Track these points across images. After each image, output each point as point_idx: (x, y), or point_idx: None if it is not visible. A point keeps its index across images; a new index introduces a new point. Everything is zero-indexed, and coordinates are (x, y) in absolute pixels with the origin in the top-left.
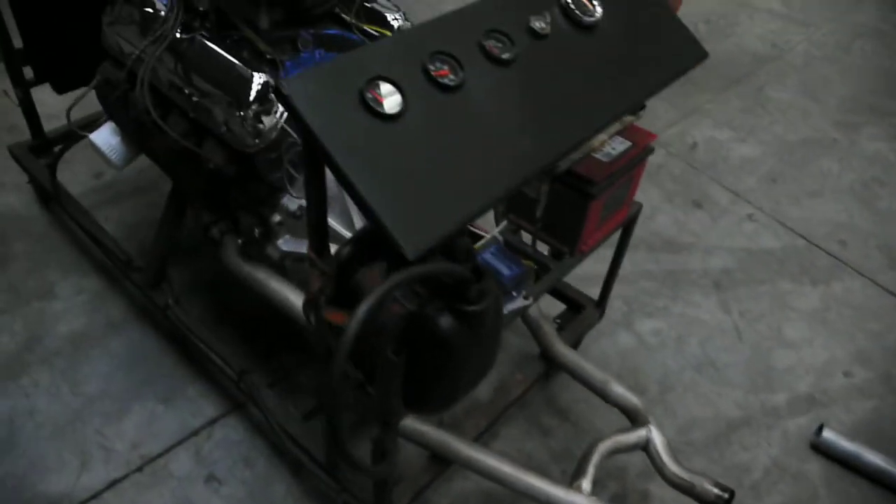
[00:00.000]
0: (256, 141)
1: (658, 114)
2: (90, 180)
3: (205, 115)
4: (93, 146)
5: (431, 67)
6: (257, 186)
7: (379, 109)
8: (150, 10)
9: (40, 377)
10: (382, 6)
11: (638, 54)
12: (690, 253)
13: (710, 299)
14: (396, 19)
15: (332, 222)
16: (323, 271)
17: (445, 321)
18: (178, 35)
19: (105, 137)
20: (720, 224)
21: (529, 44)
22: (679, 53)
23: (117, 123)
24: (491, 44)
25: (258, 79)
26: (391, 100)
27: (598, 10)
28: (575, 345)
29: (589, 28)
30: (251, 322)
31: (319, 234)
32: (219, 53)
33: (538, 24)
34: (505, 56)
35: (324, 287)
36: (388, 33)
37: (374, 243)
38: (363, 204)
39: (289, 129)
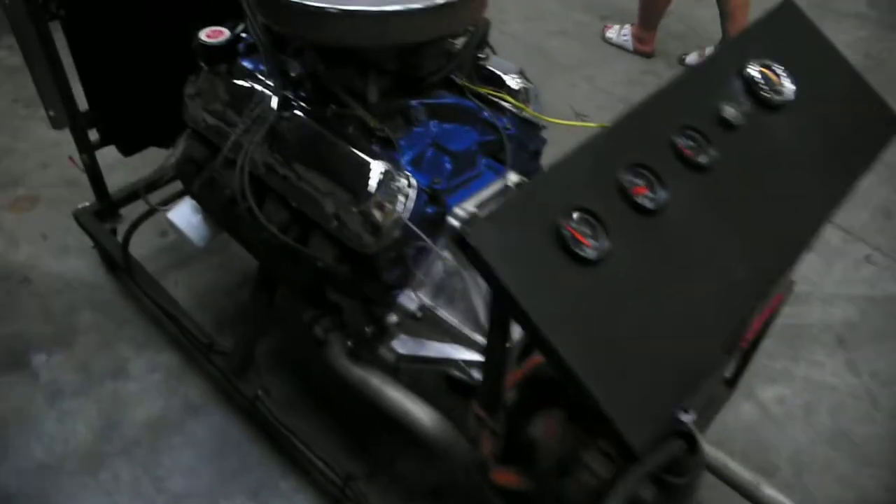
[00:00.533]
0: (376, 240)
1: None
2: (155, 239)
3: (311, 207)
4: (171, 225)
5: (626, 183)
6: (371, 285)
7: (580, 252)
8: (242, 83)
9: (120, 471)
10: (497, 65)
11: (835, 133)
12: (807, 303)
13: (836, 358)
14: (514, 79)
15: (454, 320)
16: (494, 431)
17: (651, 496)
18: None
19: (185, 216)
20: (835, 268)
21: (723, 138)
22: (873, 124)
23: (200, 203)
24: (683, 144)
25: (378, 167)
26: (591, 237)
27: (788, 84)
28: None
29: (780, 108)
30: (346, 403)
31: (494, 392)
32: (328, 135)
33: (730, 113)
34: (702, 160)
35: (494, 447)
36: (508, 98)
37: (541, 387)
38: (578, 384)
39: (412, 227)
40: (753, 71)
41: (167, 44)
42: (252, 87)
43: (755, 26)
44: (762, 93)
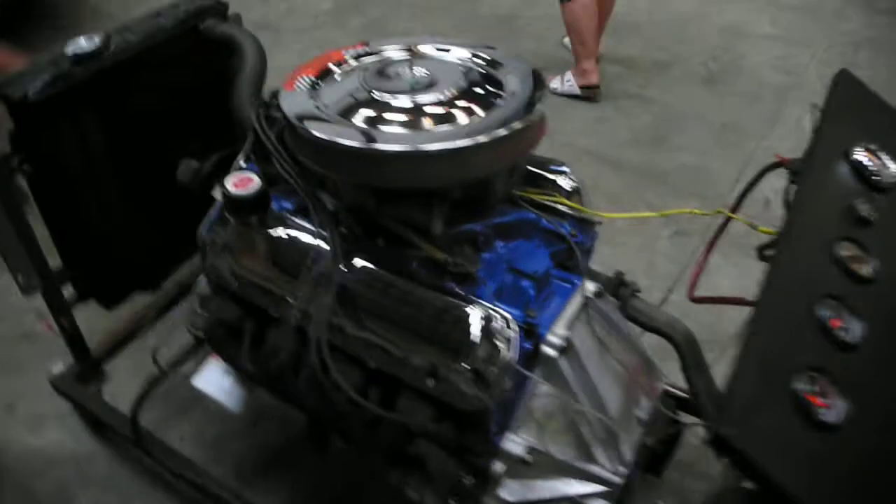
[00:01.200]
0: (486, 395)
1: (713, 176)
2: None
3: (397, 367)
4: (200, 394)
5: (824, 317)
6: (472, 437)
7: (823, 417)
8: (286, 236)
9: None
10: (550, 169)
11: None
12: None
13: None
14: (564, 178)
15: (566, 456)
16: None
17: None
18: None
19: (215, 382)
20: None
21: (865, 235)
22: None
23: (238, 368)
24: (845, 255)
25: (476, 315)
26: (826, 397)
27: (892, 164)
28: None
29: (888, 190)
30: None
31: None
32: (405, 284)
33: (864, 210)
34: (865, 272)
35: None
36: (564, 201)
37: None
38: None
39: (523, 371)
40: (860, 156)
41: (145, 185)
42: (300, 240)
43: (832, 106)
44: (873, 177)
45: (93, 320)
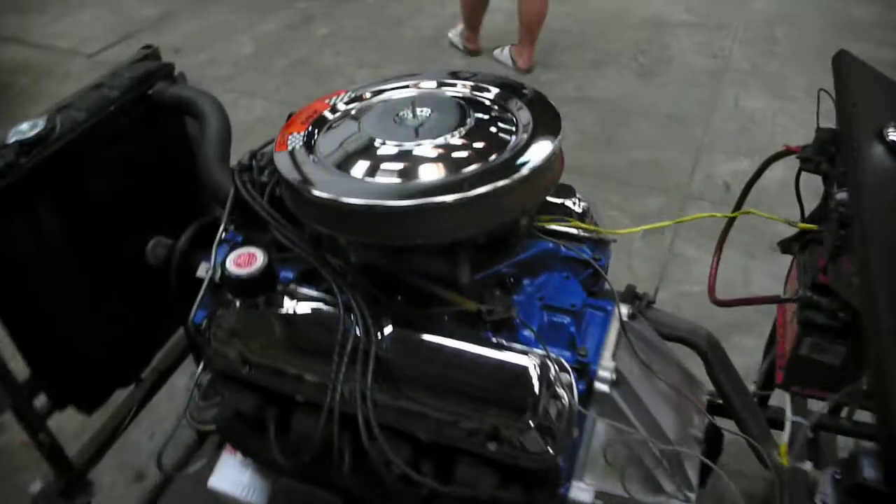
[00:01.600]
0: (554, 449)
1: (669, 168)
2: (130, 484)
3: (450, 435)
4: (218, 495)
5: None
6: (540, 495)
7: None
8: (302, 312)
9: None
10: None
11: None
12: None
13: None
14: (574, 202)
15: (639, 495)
16: None
17: None
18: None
19: (233, 479)
20: None
21: None
22: None
23: (257, 459)
24: None
25: (531, 364)
26: None
27: None
28: None
29: None
30: None
31: None
32: (443, 345)
33: None
34: None
35: None
36: (581, 224)
37: None
38: None
39: (588, 413)
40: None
41: (112, 271)
42: (317, 313)
43: (845, 89)
44: None
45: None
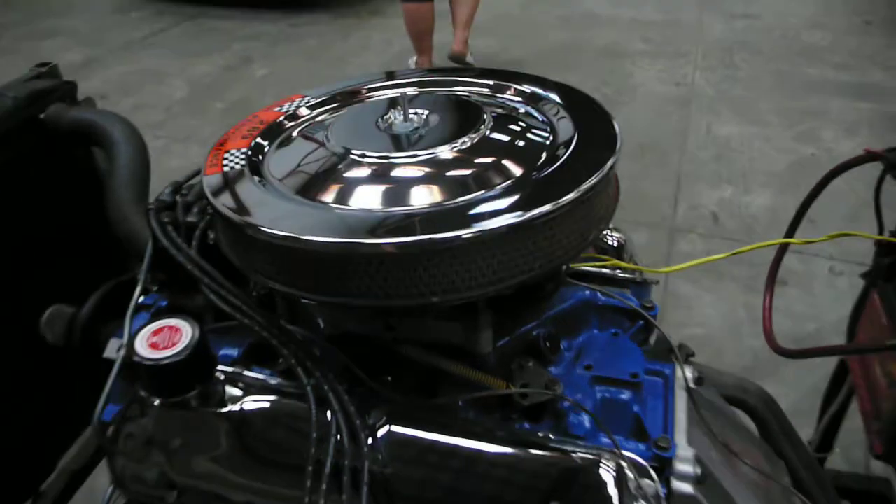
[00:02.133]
0: None
1: (652, 199)
2: None
3: None
4: None
5: None
6: None
7: None
8: (249, 407)
9: None
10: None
11: None
12: None
13: None
14: (610, 234)
15: None
16: None
17: None
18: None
19: None
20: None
21: None
22: None
23: None
24: None
25: (608, 466)
26: None
27: None
28: None
29: None
30: None
31: None
32: (465, 448)
33: None
34: None
35: None
36: (620, 263)
37: None
38: None
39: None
40: None
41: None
42: (281, 411)
43: None
44: None
45: None
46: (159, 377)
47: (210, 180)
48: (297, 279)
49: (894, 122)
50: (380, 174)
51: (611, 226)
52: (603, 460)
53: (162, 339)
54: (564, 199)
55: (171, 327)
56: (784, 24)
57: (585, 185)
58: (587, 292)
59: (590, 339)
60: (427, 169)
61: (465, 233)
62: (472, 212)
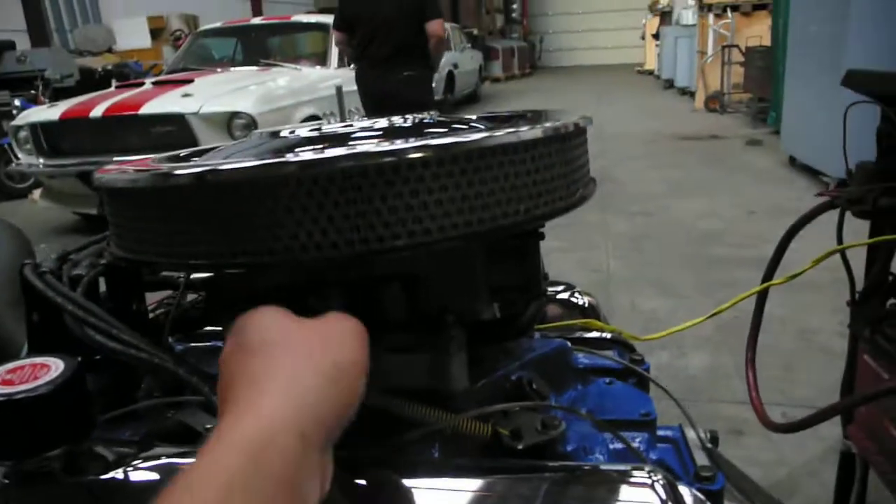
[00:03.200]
0: None
1: None
2: None
3: None
4: None
5: None
6: None
7: None
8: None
9: None
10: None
11: None
12: None
13: None
14: (575, 295)
15: None
16: None
17: None
18: None
19: None
20: None
21: None
22: None
23: None
24: None
25: (659, 484)
26: None
27: None
28: None
29: None
30: None
31: None
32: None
33: None
34: None
35: None
36: (596, 323)
37: None
38: None
39: None
40: None
41: None
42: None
43: None
44: None
45: None
46: (6, 425)
47: (109, 176)
48: (217, 237)
49: (797, 286)
50: (316, 138)
51: (582, 290)
52: (652, 476)
53: (20, 375)
54: (545, 125)
55: (35, 364)
56: (679, 218)
57: (563, 121)
58: (566, 343)
59: (581, 391)
60: (376, 131)
61: (435, 143)
62: (434, 132)
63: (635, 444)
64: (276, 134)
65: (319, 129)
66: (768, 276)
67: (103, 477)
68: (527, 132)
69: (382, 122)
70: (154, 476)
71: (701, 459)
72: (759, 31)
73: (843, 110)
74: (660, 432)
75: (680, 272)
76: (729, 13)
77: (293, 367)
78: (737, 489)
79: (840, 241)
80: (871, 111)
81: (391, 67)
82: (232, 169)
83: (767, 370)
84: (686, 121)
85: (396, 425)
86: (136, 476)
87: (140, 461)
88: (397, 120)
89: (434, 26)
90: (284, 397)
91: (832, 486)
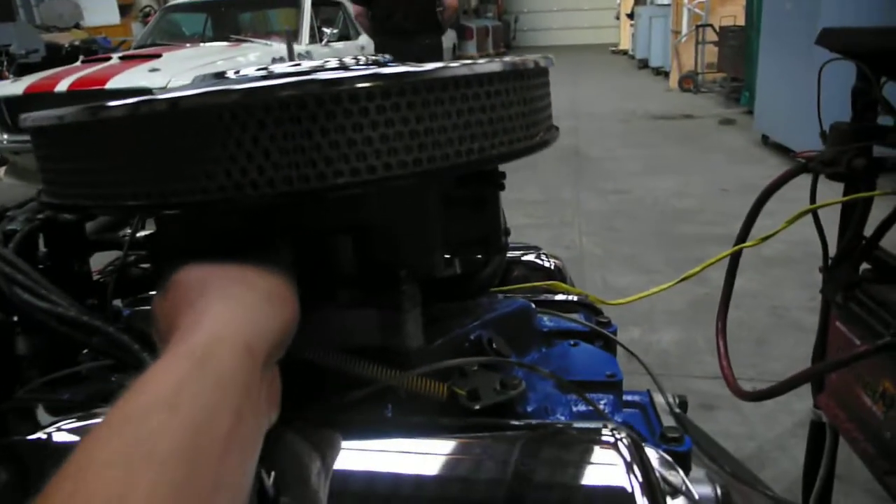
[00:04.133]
0: None
1: None
2: None
3: None
4: None
5: None
6: None
7: None
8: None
9: None
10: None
11: None
12: None
13: None
14: (543, 258)
15: None
16: None
17: None
18: None
19: None
20: None
21: None
22: None
23: None
24: None
25: (623, 443)
26: None
27: None
28: None
29: None
30: None
31: None
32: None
33: None
34: None
35: None
36: (563, 286)
37: None
38: None
39: None
40: None
41: None
42: None
43: None
44: None
45: None
46: None
47: (36, 115)
48: (146, 176)
49: (770, 261)
50: (263, 77)
51: (548, 252)
52: (616, 435)
53: None
54: (502, 60)
55: None
56: (653, 196)
57: (520, 58)
58: (531, 304)
59: (545, 352)
60: (328, 70)
61: (381, 73)
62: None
63: (601, 406)
64: (220, 75)
65: (266, 69)
66: (741, 240)
67: (30, 437)
68: (482, 66)
69: (334, 63)
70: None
71: (670, 424)
72: (733, 11)
73: (816, 88)
74: (627, 397)
75: (652, 249)
76: None
77: (231, 288)
78: (705, 454)
79: (814, 202)
80: (845, 80)
81: (412, 37)
82: (161, 100)
83: (740, 345)
84: (660, 100)
85: (345, 384)
86: (63, 437)
87: (72, 422)
88: (349, 61)
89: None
90: (227, 313)
91: (802, 460)
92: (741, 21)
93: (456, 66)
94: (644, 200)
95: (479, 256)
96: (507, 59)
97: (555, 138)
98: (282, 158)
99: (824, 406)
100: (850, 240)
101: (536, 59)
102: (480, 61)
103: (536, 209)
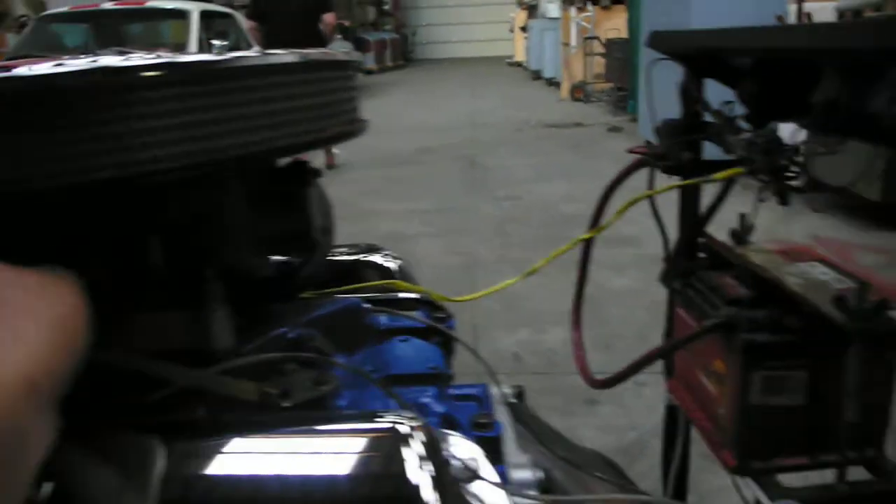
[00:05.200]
0: None
1: None
2: None
3: None
4: None
5: None
6: None
7: None
8: None
9: None
10: (359, 251)
11: None
12: None
13: None
14: (386, 258)
15: None
16: None
17: None
18: None
19: None
20: None
21: None
22: None
23: None
24: None
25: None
26: None
27: None
28: None
29: None
30: None
31: None
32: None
33: None
34: None
35: None
36: (401, 284)
37: None
38: None
39: None
40: None
41: None
42: None
43: None
44: None
45: None
46: None
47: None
48: None
49: (654, 261)
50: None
51: (394, 253)
52: (410, 424)
53: None
54: (294, 52)
55: None
56: (543, 202)
57: (318, 51)
58: (358, 300)
59: (374, 349)
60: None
61: (161, 62)
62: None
63: (424, 399)
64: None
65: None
66: (595, 223)
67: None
68: (270, 58)
69: (166, 58)
70: None
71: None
72: (617, 24)
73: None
74: (464, 390)
75: (542, 252)
76: (590, 7)
77: (12, 318)
78: (539, 440)
79: (652, 199)
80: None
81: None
82: None
83: (623, 341)
84: (552, 110)
85: (147, 386)
86: None
87: None
88: (181, 57)
89: (329, 17)
90: (7, 345)
91: None
92: (625, 34)
93: (239, 57)
94: (536, 205)
95: (295, 255)
96: (300, 51)
97: (357, 132)
98: (54, 151)
99: (673, 389)
100: (684, 230)
101: (335, 53)
102: (276, 52)
103: (432, 218)
